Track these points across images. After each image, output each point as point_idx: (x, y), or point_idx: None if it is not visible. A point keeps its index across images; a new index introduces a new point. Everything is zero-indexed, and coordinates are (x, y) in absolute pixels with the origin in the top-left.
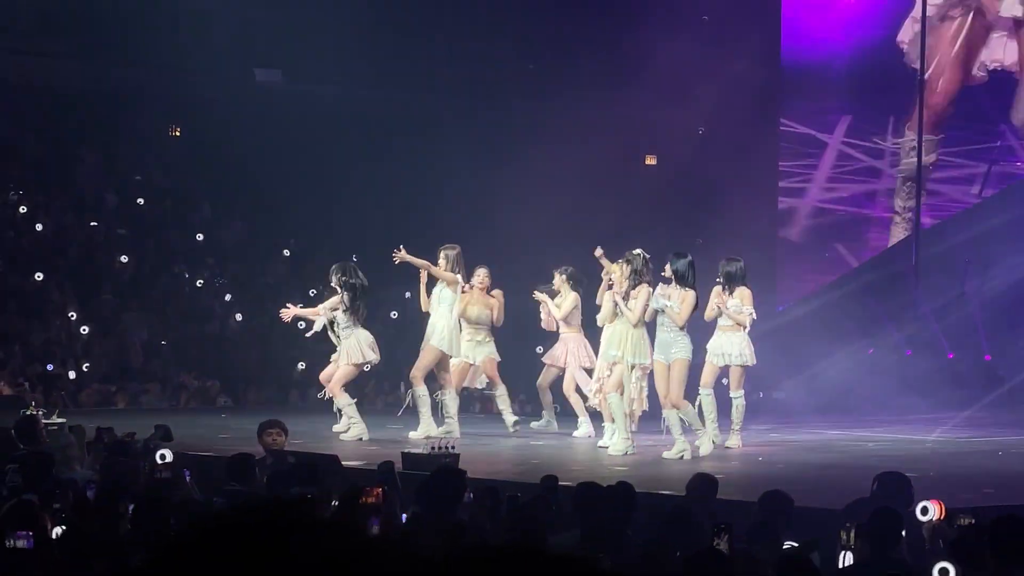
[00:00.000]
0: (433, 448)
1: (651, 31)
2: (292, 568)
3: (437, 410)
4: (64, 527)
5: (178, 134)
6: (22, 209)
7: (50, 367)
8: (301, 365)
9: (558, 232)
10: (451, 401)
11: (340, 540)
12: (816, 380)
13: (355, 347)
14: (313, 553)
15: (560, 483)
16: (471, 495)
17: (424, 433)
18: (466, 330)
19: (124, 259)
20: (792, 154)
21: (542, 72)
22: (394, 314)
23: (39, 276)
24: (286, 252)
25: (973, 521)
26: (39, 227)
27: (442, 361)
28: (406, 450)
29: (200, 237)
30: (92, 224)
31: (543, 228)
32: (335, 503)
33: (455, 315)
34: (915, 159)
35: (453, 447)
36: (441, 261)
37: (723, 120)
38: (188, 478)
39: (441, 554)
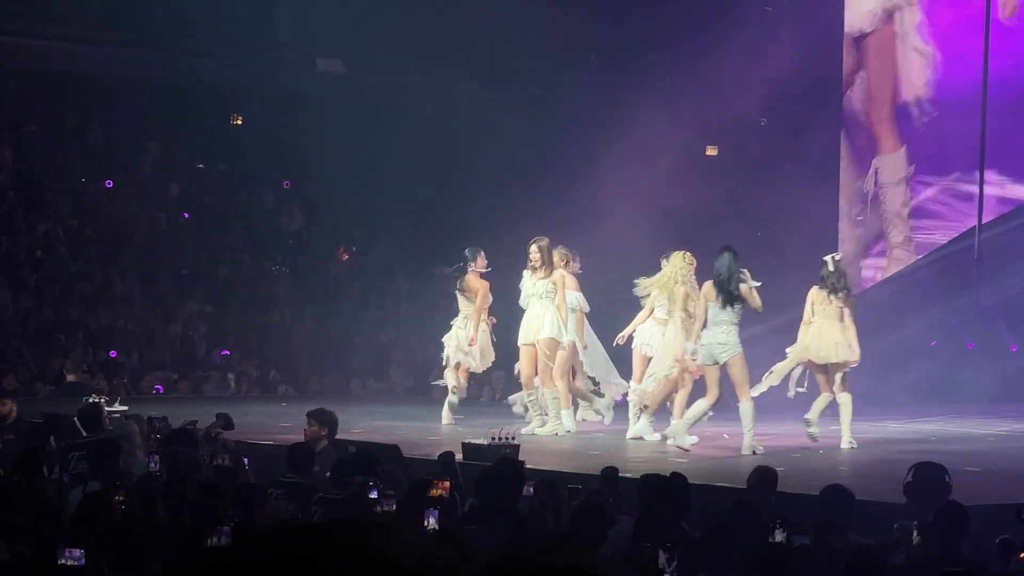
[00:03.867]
0: (493, 439)
1: (714, 21)
2: None
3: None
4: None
5: (240, 123)
6: (86, 197)
7: (113, 355)
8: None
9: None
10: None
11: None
12: (878, 373)
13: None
14: None
15: (620, 475)
16: (531, 488)
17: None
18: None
19: (187, 248)
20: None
21: (602, 62)
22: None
23: (99, 266)
24: (353, 249)
25: None
26: (103, 216)
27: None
28: (466, 440)
29: (262, 226)
30: (155, 213)
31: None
32: (390, 493)
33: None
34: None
35: (513, 438)
36: (535, 254)
37: (783, 110)
38: (246, 465)
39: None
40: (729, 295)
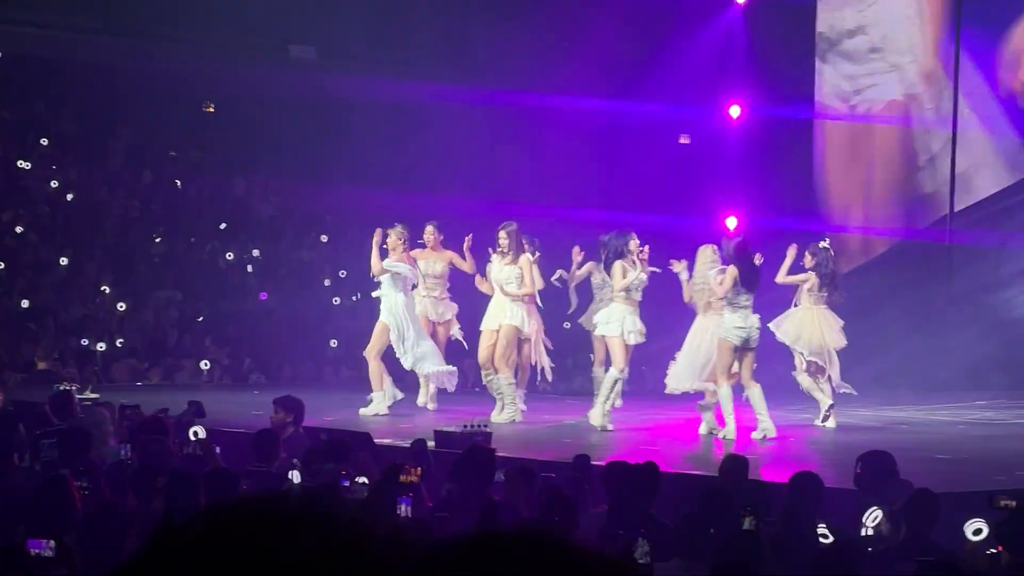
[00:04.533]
0: (465, 427)
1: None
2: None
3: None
4: (97, 502)
5: (212, 110)
6: (54, 184)
7: (84, 342)
8: (334, 342)
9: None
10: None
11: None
12: (850, 361)
13: None
14: (313, 551)
15: (592, 462)
16: (501, 476)
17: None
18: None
19: (157, 237)
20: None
21: (570, 57)
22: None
23: (70, 253)
24: (324, 238)
25: (1014, 503)
26: (73, 203)
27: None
28: (438, 428)
29: (233, 214)
30: (126, 200)
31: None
32: (363, 480)
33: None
34: None
35: (486, 425)
36: (503, 240)
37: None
38: (218, 453)
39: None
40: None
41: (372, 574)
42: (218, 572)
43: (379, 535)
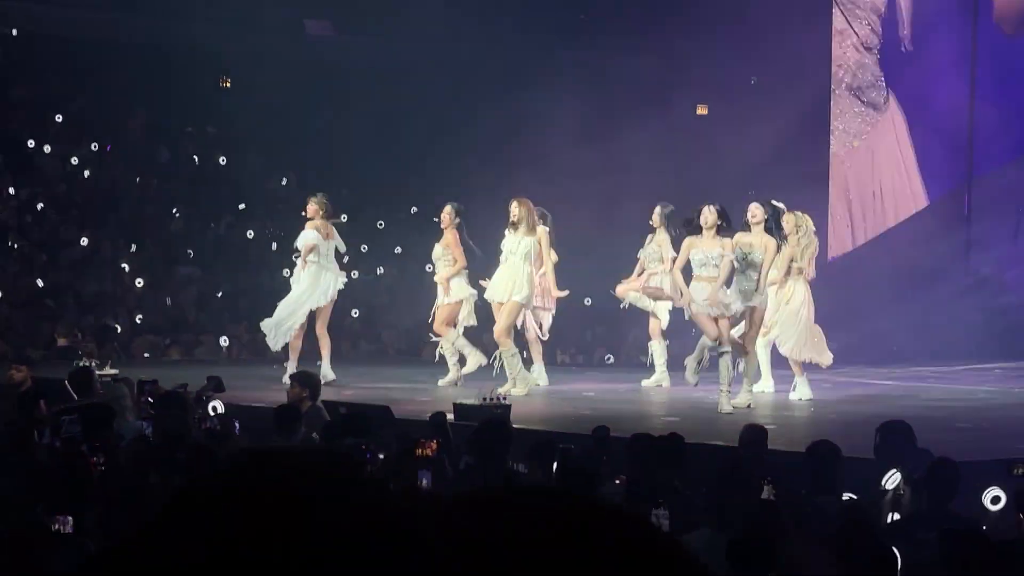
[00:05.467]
0: (485, 399)
1: None
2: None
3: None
4: (117, 478)
5: (228, 86)
6: (74, 161)
7: (104, 320)
8: (355, 312)
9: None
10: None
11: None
12: (869, 331)
13: None
14: (338, 508)
15: (612, 434)
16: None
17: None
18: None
19: (176, 212)
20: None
21: (594, 21)
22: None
23: (88, 231)
24: (343, 218)
25: None
26: (90, 181)
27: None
28: (458, 400)
29: (250, 189)
30: (143, 177)
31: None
32: (381, 456)
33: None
34: None
35: (505, 398)
36: (515, 211)
37: (777, 69)
38: (236, 429)
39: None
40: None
41: (395, 528)
42: (245, 523)
43: (400, 493)
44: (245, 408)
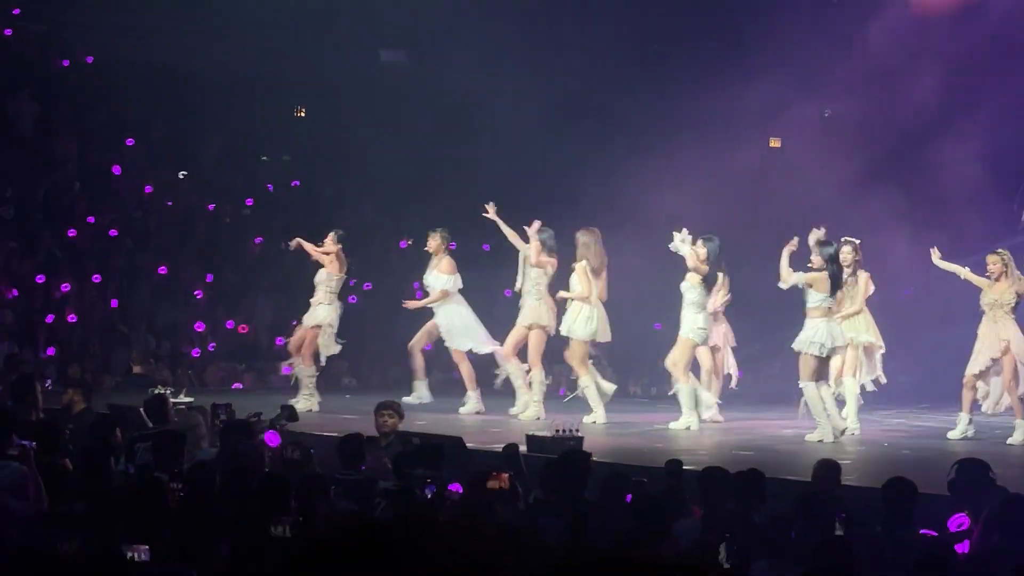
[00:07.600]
0: (558, 431)
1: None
2: None
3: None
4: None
5: (303, 115)
6: (148, 189)
7: (179, 347)
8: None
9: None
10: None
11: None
12: (940, 363)
13: None
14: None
15: (685, 467)
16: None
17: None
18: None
19: (257, 240)
20: None
21: (665, 55)
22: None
23: (163, 257)
24: (410, 241)
25: None
26: (165, 207)
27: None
28: (531, 432)
29: (324, 217)
30: (218, 204)
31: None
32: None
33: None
34: None
35: (577, 430)
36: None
37: (848, 102)
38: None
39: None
40: None
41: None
42: None
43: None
44: (316, 437)
